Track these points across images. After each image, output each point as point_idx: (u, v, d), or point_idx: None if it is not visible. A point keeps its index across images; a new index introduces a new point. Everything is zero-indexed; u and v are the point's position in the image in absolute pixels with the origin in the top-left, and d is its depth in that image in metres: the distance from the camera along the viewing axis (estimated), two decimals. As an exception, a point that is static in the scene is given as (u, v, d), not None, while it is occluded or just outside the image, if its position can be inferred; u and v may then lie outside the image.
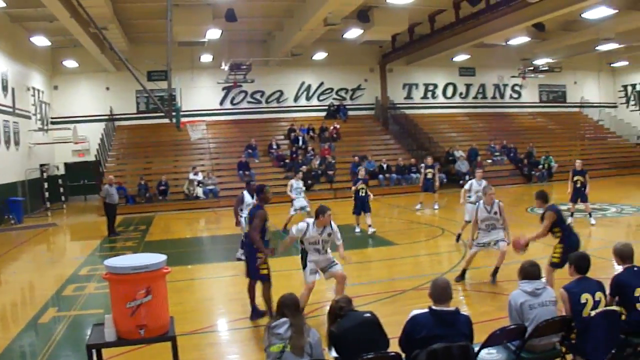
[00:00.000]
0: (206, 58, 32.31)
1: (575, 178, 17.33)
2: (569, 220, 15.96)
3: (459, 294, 10.62)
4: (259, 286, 9.37)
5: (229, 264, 13.94)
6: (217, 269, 14.35)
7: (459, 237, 15.52)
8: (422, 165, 25.47)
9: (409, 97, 38.86)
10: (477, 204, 11.48)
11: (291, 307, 5.57)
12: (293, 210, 18.23)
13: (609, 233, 16.27)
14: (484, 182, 15.13)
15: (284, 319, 5.46)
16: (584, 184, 17.19)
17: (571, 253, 10.20)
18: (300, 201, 18.30)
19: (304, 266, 9.57)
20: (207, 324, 9.52)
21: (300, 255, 9.70)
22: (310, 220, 9.76)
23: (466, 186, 15.73)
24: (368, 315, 5.61)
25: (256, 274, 9.20)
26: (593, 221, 17.16)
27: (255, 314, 9.33)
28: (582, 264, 6.52)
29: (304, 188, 19.09)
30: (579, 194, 17.27)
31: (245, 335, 8.88)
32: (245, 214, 13.11)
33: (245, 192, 14.16)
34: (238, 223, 13.73)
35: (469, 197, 15.40)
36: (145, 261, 6.07)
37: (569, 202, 17.57)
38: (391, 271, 12.94)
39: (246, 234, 9.46)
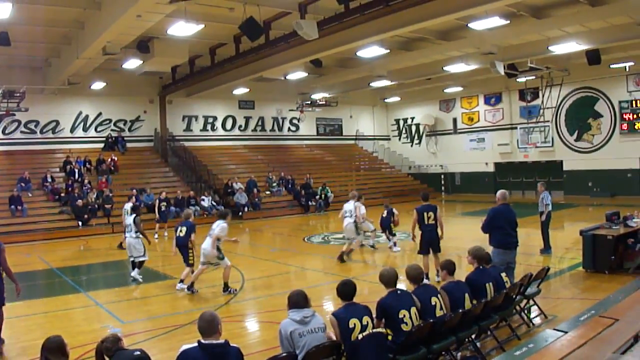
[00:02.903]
0: (-25, 83, 30.19)
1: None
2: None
3: (239, 324, 10.90)
4: None
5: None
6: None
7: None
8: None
9: (188, 129, 38.81)
10: None
11: (55, 350, 5.36)
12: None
13: (382, 259, 17.45)
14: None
15: (50, 365, 5.25)
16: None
17: (424, 244, 13.21)
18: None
19: None
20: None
21: None
22: None
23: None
24: (138, 353, 5.54)
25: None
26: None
27: None
28: (346, 290, 6.92)
29: None
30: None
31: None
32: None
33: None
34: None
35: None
36: None
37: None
38: (169, 306, 12.89)
39: None
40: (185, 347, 5.54)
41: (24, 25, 22.41)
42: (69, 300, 13.77)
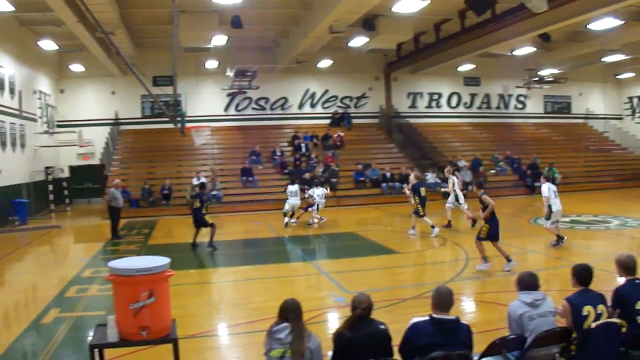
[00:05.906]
0: (211, 64, 32.37)
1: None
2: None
3: (461, 303, 10.67)
4: None
5: (230, 269, 13.99)
6: (218, 274, 14.39)
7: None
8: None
9: (413, 106, 38.83)
10: None
11: (294, 312, 5.52)
12: None
13: (612, 245, 16.21)
14: None
15: (285, 324, 5.41)
16: None
17: (495, 231, 12.75)
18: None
19: None
20: (208, 328, 9.50)
21: None
22: None
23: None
24: (383, 327, 5.53)
25: None
26: None
27: None
28: (584, 275, 6.41)
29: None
30: None
31: (246, 340, 8.81)
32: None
33: None
34: None
35: None
36: (148, 264, 6.11)
37: None
38: (392, 279, 12.97)
39: None
40: (415, 319, 5.51)
41: (254, 9, 23.61)
42: (295, 267, 14.29)
